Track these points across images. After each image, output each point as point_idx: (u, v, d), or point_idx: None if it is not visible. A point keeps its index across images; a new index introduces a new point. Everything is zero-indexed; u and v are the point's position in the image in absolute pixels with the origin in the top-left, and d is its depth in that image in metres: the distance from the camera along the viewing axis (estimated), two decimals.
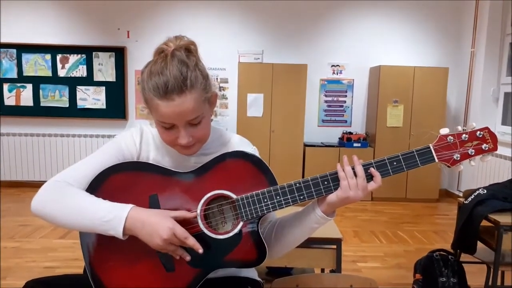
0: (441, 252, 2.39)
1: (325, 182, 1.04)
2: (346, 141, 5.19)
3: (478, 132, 1.00)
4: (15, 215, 4.16)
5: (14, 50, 5.27)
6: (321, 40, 5.46)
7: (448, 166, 1.03)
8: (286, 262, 1.79)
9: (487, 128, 1.00)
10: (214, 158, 1.08)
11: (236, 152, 1.08)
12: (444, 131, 1.02)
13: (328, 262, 1.78)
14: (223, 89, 5.49)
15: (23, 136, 5.36)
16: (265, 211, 1.04)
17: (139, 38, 5.37)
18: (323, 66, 5.49)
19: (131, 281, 1.05)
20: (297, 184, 1.04)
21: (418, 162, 1.03)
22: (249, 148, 1.22)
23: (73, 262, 3.03)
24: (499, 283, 2.42)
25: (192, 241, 0.99)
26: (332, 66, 5.51)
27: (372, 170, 1.04)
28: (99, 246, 1.07)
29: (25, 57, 5.29)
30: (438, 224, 4.37)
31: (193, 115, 1.03)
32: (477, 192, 2.35)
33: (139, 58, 5.39)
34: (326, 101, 5.57)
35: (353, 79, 5.53)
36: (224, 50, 5.38)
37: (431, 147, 1.02)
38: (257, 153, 1.20)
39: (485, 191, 2.33)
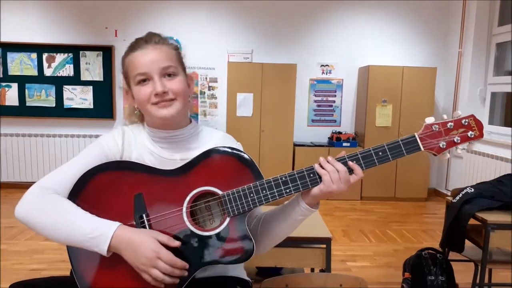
0: (430, 251, 2.40)
1: (311, 175, 1.04)
2: (335, 140, 5.21)
3: (464, 120, 1.01)
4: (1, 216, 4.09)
5: None
6: (311, 40, 5.47)
7: (434, 154, 1.03)
8: (276, 262, 1.78)
9: (472, 115, 1.01)
10: (199, 154, 1.08)
11: (220, 148, 1.08)
12: (430, 120, 1.02)
13: (318, 261, 1.78)
14: (212, 89, 5.47)
15: (8, 137, 5.26)
16: (252, 206, 1.04)
17: (127, 37, 5.31)
18: (313, 66, 5.50)
19: (117, 281, 1.04)
20: (283, 178, 1.04)
21: (404, 151, 1.02)
22: (233, 144, 1.22)
23: (60, 264, 3.00)
24: (486, 280, 2.44)
25: (179, 263, 0.99)
26: (322, 66, 5.53)
27: (351, 164, 1.03)
28: (83, 252, 1.04)
29: (10, 56, 5.20)
30: (427, 223, 4.41)
31: (166, 63, 1.11)
32: (465, 191, 2.37)
33: None
34: (315, 101, 5.58)
35: (342, 79, 5.56)
36: (213, 49, 5.36)
37: (416, 135, 1.02)
38: (241, 148, 1.20)
39: (473, 190, 2.35)
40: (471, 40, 4.91)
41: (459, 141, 1.01)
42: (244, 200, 1.03)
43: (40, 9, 5.22)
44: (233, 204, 1.04)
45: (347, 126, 5.62)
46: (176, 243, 1.01)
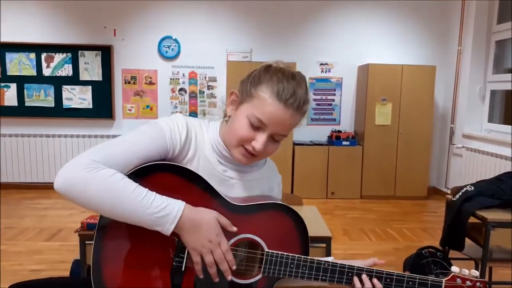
0: (430, 249, 2.40)
1: (349, 274, 1.07)
2: (335, 139, 5.21)
3: (478, 283, 1.09)
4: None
5: None
6: (310, 39, 5.46)
7: None
8: None
9: (484, 281, 1.10)
10: (260, 203, 1.09)
11: (286, 206, 1.09)
12: (455, 269, 1.10)
13: None
14: (211, 88, 5.46)
15: (7, 137, 5.25)
16: (287, 276, 1.06)
17: (126, 36, 5.30)
18: (312, 65, 5.49)
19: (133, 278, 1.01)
20: (326, 265, 1.06)
21: None
22: (277, 176, 1.28)
23: (59, 265, 2.97)
24: (487, 279, 2.44)
25: (231, 256, 1.00)
26: (321, 64, 5.52)
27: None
28: (112, 247, 1.01)
29: (9, 56, 5.19)
30: (427, 221, 4.41)
31: (287, 132, 1.07)
32: (465, 189, 2.37)
33: (126, 57, 5.33)
34: (315, 100, 5.57)
35: (342, 78, 5.55)
36: (213, 48, 5.35)
37: (443, 283, 1.08)
38: (280, 183, 1.27)
39: (473, 188, 2.35)
40: (470, 38, 4.91)
41: None
42: (283, 267, 1.05)
43: (38, 9, 5.21)
44: (272, 266, 1.05)
45: (346, 124, 5.61)
46: (234, 229, 1.03)
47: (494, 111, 4.84)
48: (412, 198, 5.21)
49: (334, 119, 5.62)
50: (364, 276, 1.06)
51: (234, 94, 1.11)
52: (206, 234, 0.97)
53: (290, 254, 1.05)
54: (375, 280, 1.06)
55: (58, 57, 5.23)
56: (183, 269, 1.02)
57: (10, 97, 5.24)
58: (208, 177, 1.06)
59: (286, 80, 1.03)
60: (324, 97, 5.58)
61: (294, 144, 5.21)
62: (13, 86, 5.23)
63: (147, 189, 0.95)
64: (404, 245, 3.61)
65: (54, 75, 5.25)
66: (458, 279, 1.09)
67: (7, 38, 5.15)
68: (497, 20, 4.75)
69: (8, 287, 1.09)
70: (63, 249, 3.24)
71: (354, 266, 1.07)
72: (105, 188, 0.91)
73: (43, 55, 5.21)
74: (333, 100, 5.59)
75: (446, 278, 1.08)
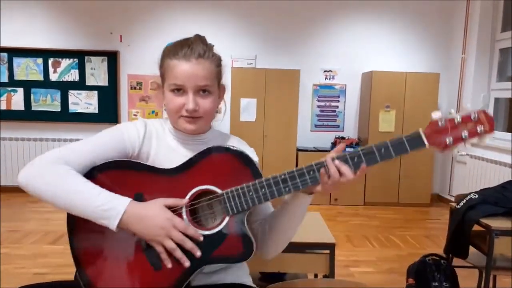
0: (434, 257, 2.39)
1: (311, 173, 1.01)
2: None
3: (473, 114, 0.94)
4: (4, 220, 4.10)
5: (6, 54, 5.23)
6: (314, 46, 5.49)
7: (441, 151, 0.98)
8: (279, 268, 1.78)
9: (483, 110, 0.95)
10: (198, 152, 1.08)
11: (219, 146, 1.08)
12: (436, 114, 0.97)
13: (321, 267, 1.78)
14: None
15: (13, 141, 5.30)
16: (251, 204, 1.03)
17: (132, 42, 5.35)
18: (316, 72, 5.51)
19: (117, 280, 1.05)
20: (282, 176, 1.02)
21: (408, 147, 0.97)
22: (247, 149, 1.23)
23: (64, 269, 3.00)
24: (491, 287, 2.43)
25: (192, 230, 1.01)
26: (325, 71, 5.54)
27: (341, 166, 1.02)
28: (86, 243, 1.07)
29: (16, 61, 5.25)
30: (430, 228, 4.40)
31: (204, 81, 1.10)
32: (469, 197, 2.36)
33: (132, 63, 5.37)
34: (318, 106, 5.59)
35: (346, 85, 5.56)
36: None
37: (421, 131, 0.97)
38: (254, 155, 1.21)
39: (477, 196, 2.34)
40: (474, 46, 4.92)
41: (467, 136, 0.95)
42: (243, 199, 1.03)
43: (45, 15, 5.27)
44: (232, 203, 1.03)
45: (350, 131, 5.62)
46: (184, 201, 1.04)
47: (498, 119, 4.83)
48: (415, 205, 5.19)
49: (338, 126, 5.63)
50: (328, 160, 1.00)
51: (155, 84, 1.21)
52: (155, 222, 0.99)
53: (244, 184, 1.03)
54: (336, 162, 1.00)
55: (65, 62, 5.28)
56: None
57: (17, 101, 5.29)
58: (176, 164, 1.10)
59: (179, 42, 1.14)
60: (328, 104, 5.59)
61: (298, 150, 5.21)
62: (20, 90, 5.28)
63: (97, 185, 1.02)
64: (407, 252, 3.60)
65: (61, 80, 5.30)
66: (441, 122, 0.95)
67: (14, 43, 5.21)
68: (501, 28, 4.76)
69: None
70: (67, 253, 3.24)
71: (312, 164, 1.01)
72: (57, 182, 1.00)
73: (50, 60, 5.27)
74: (337, 106, 5.61)
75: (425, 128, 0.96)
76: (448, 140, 0.95)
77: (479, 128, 0.94)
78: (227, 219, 1.04)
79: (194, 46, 1.10)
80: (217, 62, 1.15)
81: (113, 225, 0.98)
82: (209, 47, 1.14)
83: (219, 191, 1.05)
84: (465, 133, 0.94)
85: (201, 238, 1.02)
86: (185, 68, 1.09)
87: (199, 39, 1.14)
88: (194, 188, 1.06)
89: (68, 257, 1.08)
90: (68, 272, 1.03)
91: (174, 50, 1.12)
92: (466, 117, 0.95)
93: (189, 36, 1.16)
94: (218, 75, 1.17)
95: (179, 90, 1.11)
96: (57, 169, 1.02)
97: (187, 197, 1.06)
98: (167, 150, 1.18)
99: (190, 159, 1.08)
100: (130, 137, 1.14)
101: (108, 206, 0.98)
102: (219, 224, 1.04)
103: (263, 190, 1.03)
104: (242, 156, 1.07)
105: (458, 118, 0.95)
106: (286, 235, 1.14)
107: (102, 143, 1.11)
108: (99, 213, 0.98)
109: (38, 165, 1.03)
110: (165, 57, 1.14)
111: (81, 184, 1.01)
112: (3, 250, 3.37)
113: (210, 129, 1.25)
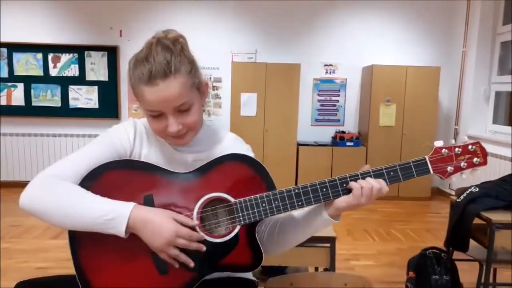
0: (434, 250, 2.40)
1: (324, 189, 1.03)
2: (339, 140, 5.21)
3: (470, 146, 1.04)
4: (6, 215, 4.12)
5: (5, 49, 5.21)
6: (314, 40, 5.47)
7: (442, 178, 1.06)
8: (280, 261, 1.79)
9: (478, 142, 1.04)
10: (213, 160, 1.07)
11: (235, 154, 1.07)
12: (439, 143, 1.04)
13: (322, 260, 1.79)
14: (216, 89, 5.48)
15: (14, 136, 5.30)
16: (263, 216, 1.03)
17: (132, 37, 5.34)
18: (316, 66, 5.50)
19: (121, 283, 1.03)
20: (296, 190, 1.03)
21: (414, 173, 1.04)
22: (243, 146, 1.22)
23: (66, 263, 3.01)
24: (491, 280, 2.44)
25: (195, 245, 1.00)
26: (325, 65, 5.52)
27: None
28: (89, 244, 1.03)
29: (16, 56, 5.23)
30: (431, 222, 4.41)
31: (180, 101, 1.02)
32: (469, 190, 2.37)
33: None
34: (319, 101, 5.58)
35: (346, 79, 5.55)
36: (217, 49, 5.37)
37: (427, 159, 1.04)
38: (250, 152, 1.19)
39: (477, 189, 2.35)
40: (475, 39, 4.90)
41: (465, 166, 1.04)
42: (256, 210, 1.03)
43: (45, 10, 5.25)
44: (245, 213, 1.03)
45: (350, 125, 5.61)
46: (195, 222, 1.02)
47: (499, 113, 4.83)
48: (415, 199, 5.20)
49: (338, 120, 5.63)
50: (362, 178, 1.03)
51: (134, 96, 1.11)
52: (163, 233, 0.97)
53: (257, 195, 1.03)
54: (374, 180, 1.03)
55: (65, 57, 5.27)
56: None
57: (17, 96, 5.29)
58: (172, 167, 1.08)
59: (141, 59, 1.02)
60: (328, 98, 5.58)
61: (298, 144, 5.22)
62: (20, 86, 5.28)
63: (97, 195, 1.00)
64: (408, 245, 3.62)
65: (61, 75, 5.29)
66: (444, 150, 1.03)
67: (14, 38, 5.20)
68: (502, 21, 4.74)
69: (16, 284, 1.09)
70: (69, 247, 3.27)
71: (325, 180, 1.03)
72: (59, 204, 0.97)
73: (50, 56, 5.26)
74: (337, 101, 5.60)
75: (429, 154, 1.04)
76: (449, 168, 1.04)
77: (475, 160, 1.04)
78: (238, 228, 1.04)
79: (156, 63, 0.99)
80: (188, 68, 1.04)
81: (121, 232, 0.96)
82: (173, 52, 1.02)
83: (231, 199, 1.04)
84: (464, 164, 1.04)
85: (204, 249, 1.01)
86: (155, 95, 1.00)
87: (160, 46, 1.02)
88: (206, 194, 1.05)
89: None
90: (70, 267, 1.03)
91: (139, 71, 1.01)
92: (465, 148, 1.04)
93: (151, 41, 1.05)
94: (194, 82, 1.07)
95: (157, 115, 1.05)
96: (54, 187, 0.99)
97: (199, 203, 1.04)
98: (159, 148, 1.17)
99: (205, 165, 1.07)
100: (121, 141, 1.13)
101: (112, 215, 0.96)
102: (229, 232, 1.04)
103: (276, 202, 1.03)
104: (257, 166, 1.06)
105: (458, 148, 1.04)
106: (296, 241, 1.16)
107: (94, 151, 1.08)
108: (106, 224, 0.96)
109: (33, 187, 1.00)
110: (132, 75, 1.04)
111: (80, 200, 0.98)
112: (5, 245, 3.38)
113: (201, 128, 1.20)
